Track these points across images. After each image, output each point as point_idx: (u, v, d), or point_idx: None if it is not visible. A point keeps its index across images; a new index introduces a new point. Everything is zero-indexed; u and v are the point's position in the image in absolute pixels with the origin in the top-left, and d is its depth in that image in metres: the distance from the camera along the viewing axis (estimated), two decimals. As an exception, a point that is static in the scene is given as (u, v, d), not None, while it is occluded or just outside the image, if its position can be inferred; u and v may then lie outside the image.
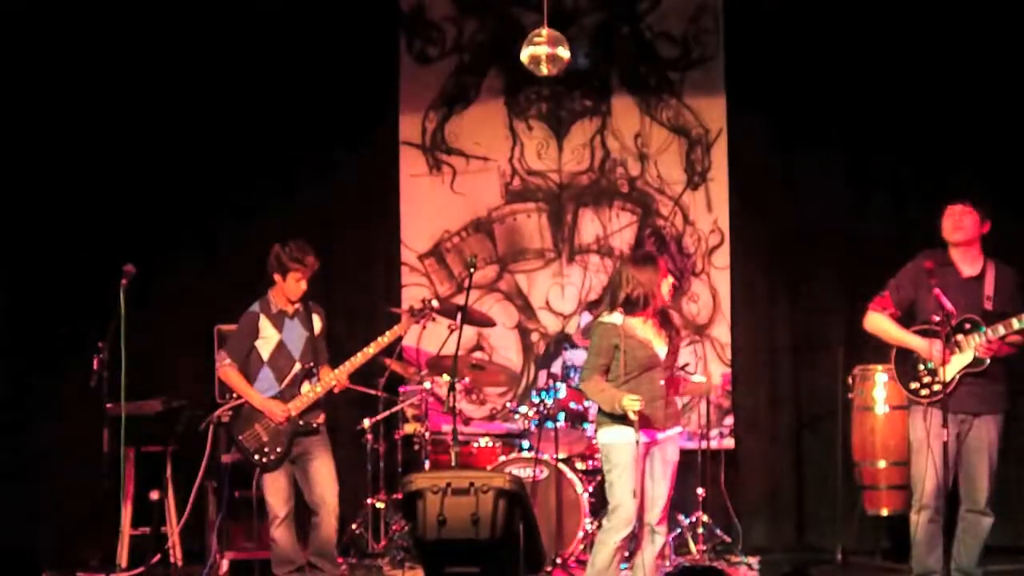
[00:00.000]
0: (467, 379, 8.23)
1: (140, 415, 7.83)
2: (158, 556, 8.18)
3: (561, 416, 7.91)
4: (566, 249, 9.16)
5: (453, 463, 7.62)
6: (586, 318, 8.53)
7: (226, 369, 7.24)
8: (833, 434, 8.38)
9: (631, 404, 6.16)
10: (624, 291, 6.37)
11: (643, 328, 6.39)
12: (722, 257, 8.99)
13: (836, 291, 8.66)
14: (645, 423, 6.26)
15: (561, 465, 7.81)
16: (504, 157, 9.24)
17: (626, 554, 6.90)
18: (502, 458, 7.94)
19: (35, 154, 8.87)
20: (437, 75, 9.32)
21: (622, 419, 6.24)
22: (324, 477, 7.17)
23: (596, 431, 6.49)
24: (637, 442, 6.21)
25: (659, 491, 6.44)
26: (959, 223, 6.68)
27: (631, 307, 6.37)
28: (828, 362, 8.54)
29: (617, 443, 6.32)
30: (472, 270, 7.62)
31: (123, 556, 8.30)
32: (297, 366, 7.23)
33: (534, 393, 8.06)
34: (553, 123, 9.21)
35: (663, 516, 6.45)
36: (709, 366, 8.87)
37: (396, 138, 9.34)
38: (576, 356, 8.59)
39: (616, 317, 6.37)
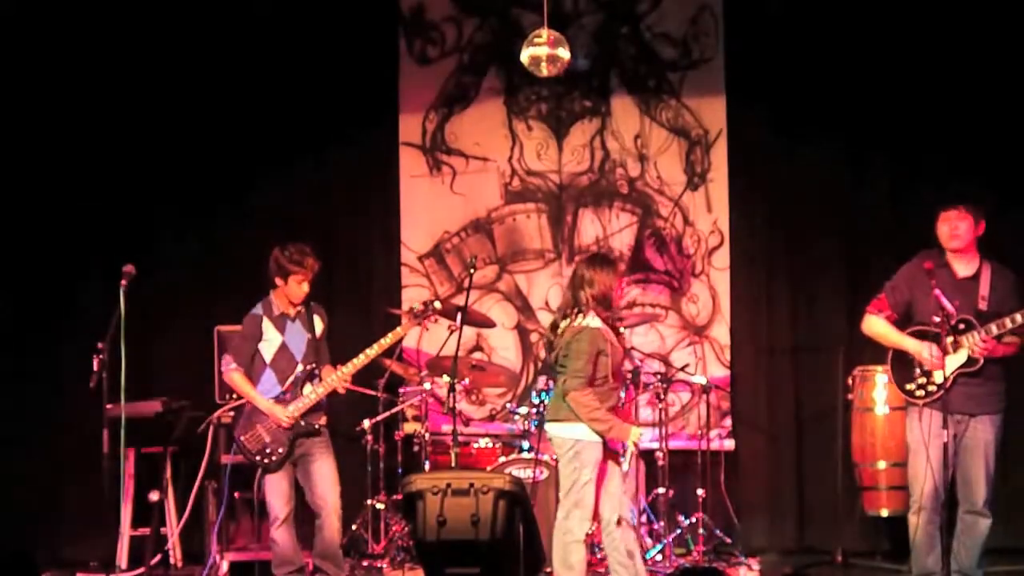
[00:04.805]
0: (467, 380, 8.23)
1: (140, 416, 7.81)
2: (158, 557, 8.18)
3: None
4: (566, 250, 9.15)
5: (453, 464, 7.62)
6: None
7: (232, 374, 7.23)
8: (833, 435, 8.39)
9: (635, 436, 6.35)
10: (591, 292, 6.41)
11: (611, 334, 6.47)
12: (722, 258, 8.99)
13: (836, 292, 8.66)
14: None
15: (561, 466, 7.80)
16: (504, 158, 9.24)
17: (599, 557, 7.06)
18: (502, 459, 7.94)
19: (34, 154, 8.87)
20: (437, 75, 9.32)
21: None
22: (326, 478, 7.17)
23: (561, 426, 6.48)
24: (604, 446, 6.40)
25: (630, 487, 6.65)
26: (955, 229, 6.72)
27: (604, 310, 6.41)
28: (828, 363, 8.55)
29: (590, 441, 6.40)
30: (472, 271, 7.62)
31: (123, 557, 8.29)
32: (299, 368, 7.23)
33: (533, 394, 8.06)
34: (553, 124, 9.21)
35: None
36: (708, 367, 8.86)
37: (396, 138, 9.34)
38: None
39: (596, 321, 6.40)
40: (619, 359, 6.47)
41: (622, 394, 6.89)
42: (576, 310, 6.46)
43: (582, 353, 6.39)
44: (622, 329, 7.17)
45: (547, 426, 6.61)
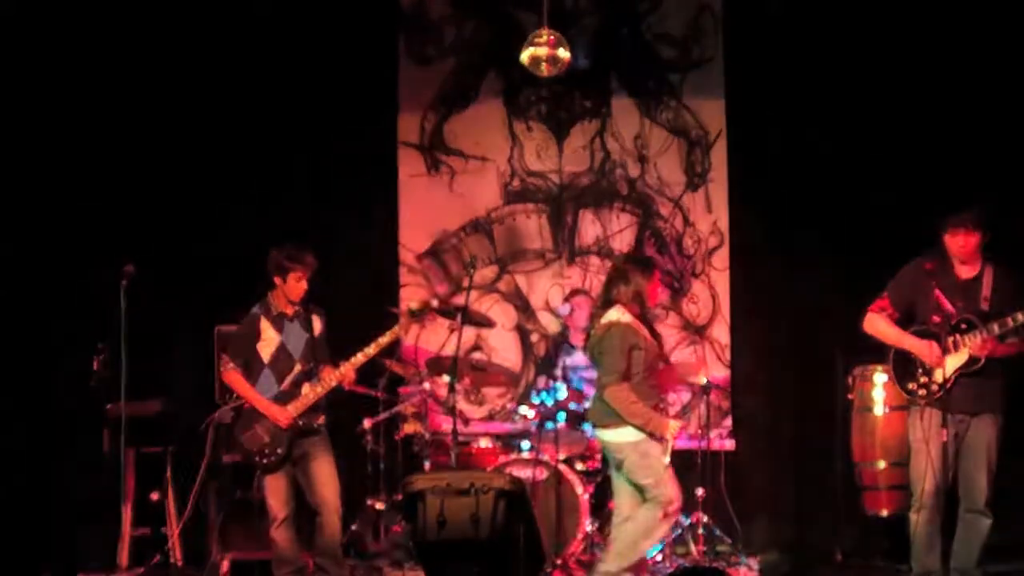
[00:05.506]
0: (467, 380, 8.23)
1: (140, 415, 7.81)
2: (158, 557, 8.17)
3: (561, 417, 7.90)
4: (566, 250, 9.16)
5: (453, 464, 7.62)
6: (564, 309, 8.54)
7: (230, 373, 7.23)
8: (833, 435, 8.39)
9: (674, 430, 6.38)
10: (624, 288, 6.42)
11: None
12: (722, 258, 9.01)
13: (836, 292, 8.65)
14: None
15: (561, 466, 7.81)
16: (503, 158, 9.24)
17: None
18: (502, 459, 7.95)
19: (35, 154, 8.84)
20: (436, 75, 9.33)
21: None
22: (325, 478, 7.16)
23: (614, 432, 6.49)
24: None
25: None
26: (964, 246, 6.71)
27: (637, 305, 6.43)
28: (828, 363, 8.54)
29: (651, 439, 6.43)
30: (472, 271, 7.62)
31: (123, 557, 8.29)
32: (297, 367, 7.23)
33: (534, 394, 8.05)
34: (553, 124, 9.22)
35: None
36: (709, 367, 8.85)
37: (394, 138, 9.35)
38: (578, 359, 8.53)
39: (626, 316, 6.41)
40: (654, 354, 6.49)
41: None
42: (605, 303, 6.51)
43: (613, 349, 6.43)
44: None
45: (598, 433, 6.63)
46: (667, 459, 6.40)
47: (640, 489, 6.50)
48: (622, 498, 6.62)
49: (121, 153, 8.91)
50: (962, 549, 6.69)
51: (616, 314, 6.45)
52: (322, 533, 7.17)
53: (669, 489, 6.46)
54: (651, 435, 6.39)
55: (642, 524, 6.52)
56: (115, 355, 6.80)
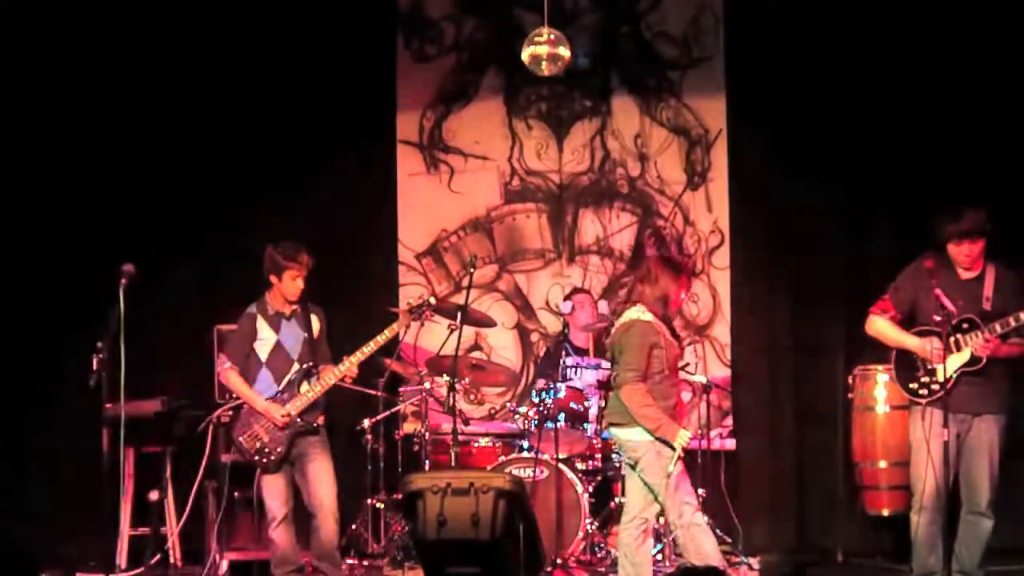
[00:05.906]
0: (467, 379, 8.22)
1: (140, 415, 7.80)
2: (157, 556, 8.17)
3: (561, 416, 7.89)
4: (566, 250, 9.15)
5: (453, 463, 7.62)
6: (565, 306, 8.53)
7: (227, 372, 7.23)
8: (833, 434, 8.38)
9: (683, 440, 6.34)
10: (650, 288, 6.42)
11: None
12: (722, 257, 9.00)
13: (836, 291, 8.65)
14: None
15: (561, 465, 7.80)
16: (503, 157, 9.24)
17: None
18: (502, 458, 7.94)
19: (35, 154, 8.85)
20: (435, 73, 9.32)
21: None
22: (322, 479, 7.15)
23: (632, 431, 6.46)
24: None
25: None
26: (969, 255, 6.69)
27: (660, 307, 6.43)
28: (828, 362, 8.56)
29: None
30: (472, 270, 7.61)
31: (122, 556, 8.29)
32: (295, 366, 7.22)
33: (533, 394, 8.04)
34: (553, 123, 9.21)
35: None
36: (709, 367, 8.85)
37: (393, 136, 9.33)
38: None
39: (647, 314, 6.41)
40: (675, 354, 6.48)
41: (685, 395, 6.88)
42: (629, 300, 6.51)
43: (633, 347, 6.40)
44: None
45: (614, 431, 6.58)
46: (671, 468, 6.37)
47: (651, 489, 6.48)
48: (633, 497, 6.59)
49: (121, 153, 8.91)
50: (964, 550, 6.69)
51: (637, 312, 6.44)
52: (318, 535, 7.17)
53: (678, 496, 6.41)
54: (660, 441, 6.37)
55: (685, 539, 6.47)
56: (115, 355, 6.77)
